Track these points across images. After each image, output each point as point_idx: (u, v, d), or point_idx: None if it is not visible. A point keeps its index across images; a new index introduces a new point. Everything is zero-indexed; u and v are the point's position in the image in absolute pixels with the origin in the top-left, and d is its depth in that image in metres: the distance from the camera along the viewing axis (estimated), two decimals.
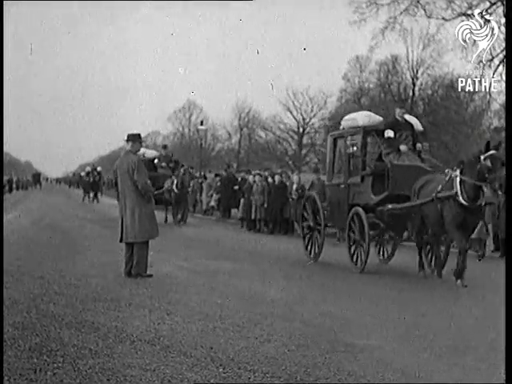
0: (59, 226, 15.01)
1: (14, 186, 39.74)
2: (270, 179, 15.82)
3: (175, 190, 16.21)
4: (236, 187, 17.87)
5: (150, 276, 7.36)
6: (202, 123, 28.41)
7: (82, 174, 37.46)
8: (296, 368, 3.94)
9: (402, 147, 8.55)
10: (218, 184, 19.08)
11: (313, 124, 36.11)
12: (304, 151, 36.46)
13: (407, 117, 9.22)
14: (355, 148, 8.91)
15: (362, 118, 9.29)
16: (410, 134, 8.82)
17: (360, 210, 8.54)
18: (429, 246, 8.52)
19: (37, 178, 49.45)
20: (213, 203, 19.64)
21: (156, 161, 17.27)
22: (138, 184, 7.40)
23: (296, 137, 36.36)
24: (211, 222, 19.01)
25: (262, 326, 5.05)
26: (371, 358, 4.24)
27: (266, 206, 15.17)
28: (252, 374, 3.82)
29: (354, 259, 8.72)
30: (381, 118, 9.37)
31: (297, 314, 5.63)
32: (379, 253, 9.56)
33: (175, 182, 16.26)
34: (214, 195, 19.44)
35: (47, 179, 61.43)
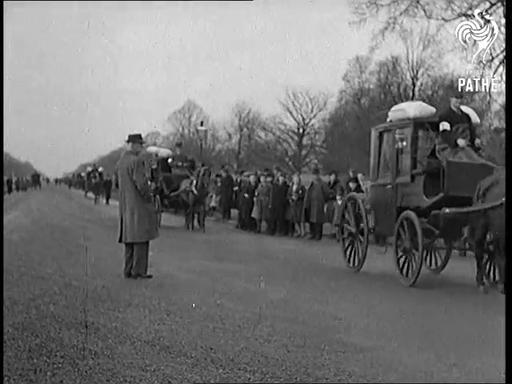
0: (59, 226, 15.01)
1: (14, 186, 39.66)
2: (271, 179, 15.82)
3: (194, 192, 15.04)
4: (236, 188, 17.80)
5: (150, 277, 7.37)
6: (201, 124, 28.39)
7: (83, 174, 37.25)
8: (296, 369, 3.95)
9: (461, 142, 7.52)
10: (219, 185, 19.04)
11: (313, 125, 36.10)
12: (304, 152, 36.45)
13: (463, 108, 8.13)
14: (404, 143, 7.93)
15: (413, 108, 8.23)
16: (467, 127, 7.76)
17: (412, 214, 7.47)
18: (486, 256, 7.43)
19: (36, 178, 49.42)
20: (213, 204, 19.59)
21: (170, 160, 16.33)
22: (137, 184, 7.41)
23: (296, 137, 36.35)
24: (212, 222, 18.98)
25: (262, 326, 5.06)
26: (372, 359, 4.25)
27: (270, 206, 15.12)
28: (252, 374, 3.82)
29: (404, 271, 7.61)
30: (434, 109, 8.33)
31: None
32: (430, 262, 8.62)
33: (194, 182, 15.12)
34: (214, 196, 19.39)
35: (48, 180, 61.37)
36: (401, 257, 7.74)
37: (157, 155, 16.76)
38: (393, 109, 8.69)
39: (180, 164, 16.37)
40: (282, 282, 7.54)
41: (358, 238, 8.78)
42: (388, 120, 8.72)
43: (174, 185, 15.68)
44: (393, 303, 6.57)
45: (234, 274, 8.12)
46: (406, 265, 7.64)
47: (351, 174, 14.60)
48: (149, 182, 7.77)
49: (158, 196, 15.25)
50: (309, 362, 4.11)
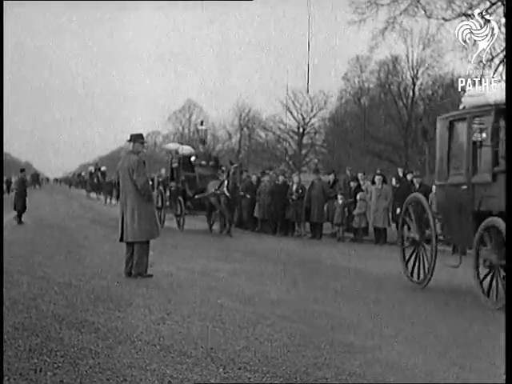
0: (59, 226, 15.01)
1: (15, 186, 39.51)
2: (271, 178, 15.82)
3: (226, 194, 13.26)
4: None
5: (150, 276, 7.38)
6: (202, 123, 28.31)
7: (83, 173, 36.90)
8: (296, 368, 3.95)
9: None
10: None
11: (313, 124, 36.12)
12: (304, 151, 36.46)
13: None
14: (484, 134, 6.63)
15: (494, 93, 6.75)
16: None
17: (499, 221, 6.11)
18: None
19: (35, 178, 49.47)
20: None
21: (193, 158, 14.89)
22: (138, 184, 7.41)
23: (296, 137, 36.37)
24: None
25: (263, 326, 5.06)
26: (371, 359, 4.25)
27: (272, 206, 15.12)
28: (252, 374, 3.82)
29: (491, 292, 6.30)
30: None
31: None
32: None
33: (225, 183, 13.39)
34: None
35: (47, 179, 61.39)
36: (485, 275, 6.48)
37: (177, 153, 15.46)
38: (468, 93, 7.21)
39: (204, 163, 14.83)
40: (283, 282, 7.54)
41: (422, 247, 7.56)
42: (461, 107, 7.34)
43: (198, 186, 14.34)
44: (394, 303, 6.51)
45: (235, 273, 8.14)
46: (492, 283, 6.36)
47: (348, 173, 14.61)
48: (150, 182, 7.75)
49: (180, 198, 14.52)
50: (309, 361, 4.12)
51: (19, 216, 15.12)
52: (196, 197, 14.44)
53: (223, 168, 14.91)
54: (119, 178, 7.67)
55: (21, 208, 15.26)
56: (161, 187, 16.66)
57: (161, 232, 7.88)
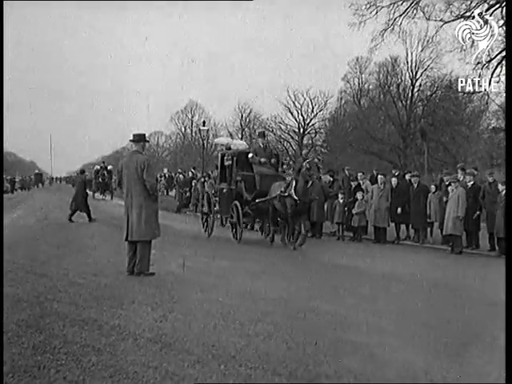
0: (62, 224, 15.02)
1: (19, 185, 39.44)
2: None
3: (294, 197, 10.57)
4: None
5: (153, 274, 7.42)
6: (204, 124, 28.34)
7: (87, 173, 36.45)
8: (296, 365, 3.99)
9: None
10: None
11: (313, 125, 36.13)
12: (304, 151, 36.45)
13: None
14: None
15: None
16: None
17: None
18: None
19: (38, 177, 49.45)
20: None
21: (251, 155, 12.14)
22: (147, 184, 7.42)
23: (296, 137, 36.38)
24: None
25: (263, 323, 5.10)
26: (371, 356, 4.29)
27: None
28: (253, 371, 3.86)
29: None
30: None
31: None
32: None
33: (293, 184, 10.62)
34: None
35: (52, 178, 61.22)
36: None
37: (229, 148, 13.09)
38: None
39: (264, 160, 12.11)
40: (283, 280, 7.57)
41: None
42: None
43: (258, 187, 11.81)
44: (395, 301, 6.53)
45: (235, 271, 8.16)
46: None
47: (346, 173, 14.62)
48: (157, 182, 7.72)
49: (237, 202, 11.89)
50: (309, 358, 4.15)
51: (72, 214, 15.70)
52: (257, 201, 11.73)
53: (285, 166, 12.55)
54: (121, 178, 7.69)
55: (82, 207, 15.77)
56: (207, 189, 14.32)
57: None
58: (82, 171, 18.45)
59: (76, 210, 15.71)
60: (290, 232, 11.43)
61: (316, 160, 10.77)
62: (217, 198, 13.05)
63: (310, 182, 10.90)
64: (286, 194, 10.81)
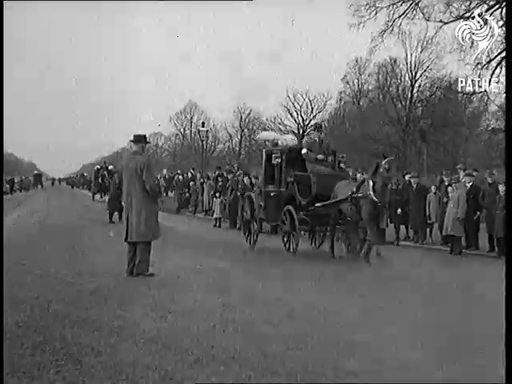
0: (62, 225, 15.03)
1: (18, 186, 39.41)
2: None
3: (373, 198, 9.03)
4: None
5: (152, 275, 7.42)
6: (203, 125, 28.36)
7: (85, 174, 36.08)
8: (296, 366, 3.99)
9: None
10: (220, 184, 19.02)
11: (312, 125, 36.19)
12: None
13: None
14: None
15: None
16: None
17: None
18: None
19: (38, 178, 49.50)
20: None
21: (305, 151, 10.38)
22: (147, 184, 7.43)
23: (296, 138, 36.44)
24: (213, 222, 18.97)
25: (263, 324, 5.09)
26: (370, 356, 4.29)
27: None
28: (252, 371, 3.86)
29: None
30: None
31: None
32: None
33: (371, 184, 9.13)
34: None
35: (54, 179, 61.21)
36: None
37: (276, 144, 11.52)
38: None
39: (322, 157, 10.37)
40: (283, 280, 7.57)
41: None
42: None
43: (315, 189, 10.05)
44: (395, 301, 6.47)
45: (235, 271, 8.17)
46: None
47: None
48: (156, 182, 7.67)
49: (290, 207, 10.12)
50: (308, 359, 4.16)
51: (111, 215, 16.09)
52: (317, 205, 9.92)
53: (342, 164, 10.68)
54: (121, 179, 7.70)
55: (117, 207, 15.64)
56: (250, 193, 12.47)
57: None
58: (115, 172, 18.60)
59: (114, 211, 15.91)
60: (358, 241, 9.59)
61: (395, 160, 9.51)
62: (261, 203, 11.22)
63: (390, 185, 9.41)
64: (361, 195, 9.20)
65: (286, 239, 10.48)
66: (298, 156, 10.51)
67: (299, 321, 5.29)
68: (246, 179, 16.35)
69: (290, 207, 10.14)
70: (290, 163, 10.60)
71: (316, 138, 10.62)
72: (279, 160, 10.69)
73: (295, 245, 9.97)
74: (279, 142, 11.52)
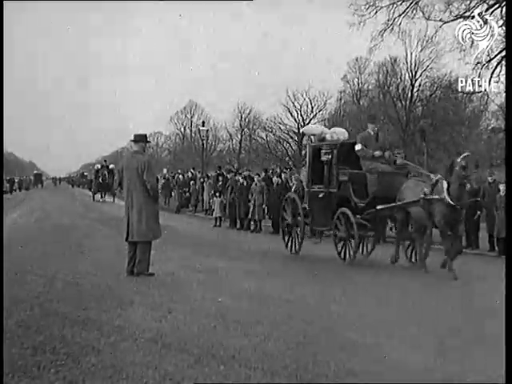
0: (63, 224, 15.03)
1: (17, 186, 39.41)
2: (274, 178, 15.87)
3: (449, 201, 8.01)
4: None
5: (152, 275, 7.43)
6: (203, 124, 28.36)
7: (86, 173, 35.85)
8: (296, 365, 3.99)
9: None
10: (220, 184, 19.05)
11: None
12: (304, 151, 36.50)
13: None
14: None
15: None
16: None
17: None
18: None
19: (38, 177, 49.55)
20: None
21: (359, 147, 9.21)
22: (148, 184, 7.44)
23: (296, 137, 36.40)
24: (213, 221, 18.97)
25: (263, 323, 5.10)
26: (370, 356, 4.29)
27: (264, 206, 15.09)
28: (252, 371, 3.86)
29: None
30: None
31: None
32: None
33: (444, 185, 8.11)
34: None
35: (57, 179, 61.16)
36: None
37: (323, 139, 10.25)
38: None
39: (378, 153, 9.17)
40: (283, 280, 7.58)
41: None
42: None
43: (374, 189, 9.02)
44: (394, 301, 6.49)
45: (235, 271, 8.17)
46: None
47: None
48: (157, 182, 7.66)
49: (346, 210, 9.09)
50: (309, 358, 4.16)
51: None
52: (378, 207, 8.88)
53: (399, 161, 9.27)
54: (122, 178, 7.70)
55: None
56: (291, 194, 11.36)
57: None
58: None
59: None
60: (425, 249, 8.58)
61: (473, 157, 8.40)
62: (305, 205, 10.17)
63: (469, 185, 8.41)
64: (435, 198, 8.15)
65: (341, 246, 9.25)
66: (350, 152, 9.38)
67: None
68: (240, 178, 16.40)
69: (347, 210, 9.06)
70: (341, 160, 9.49)
71: (371, 131, 9.41)
72: (329, 157, 9.57)
73: (353, 252, 8.92)
74: (327, 137, 10.29)
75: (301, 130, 10.67)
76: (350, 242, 9.08)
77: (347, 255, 9.07)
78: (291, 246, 10.38)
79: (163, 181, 24.45)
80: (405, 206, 8.68)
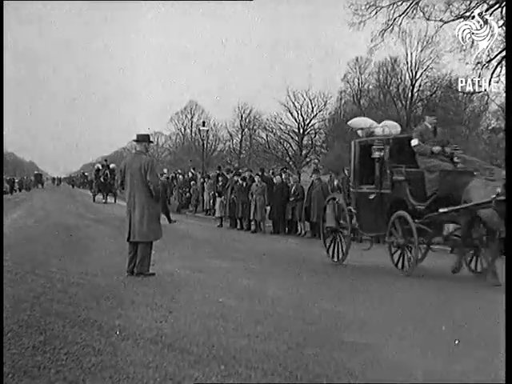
0: (63, 224, 15.02)
1: (17, 186, 39.42)
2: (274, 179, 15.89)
3: None
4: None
5: (153, 274, 7.43)
6: (203, 124, 28.39)
7: (86, 173, 35.66)
8: (296, 366, 3.99)
9: None
10: (220, 184, 19.05)
11: (313, 125, 36.17)
12: (304, 152, 36.51)
13: None
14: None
15: None
16: None
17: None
18: None
19: (38, 178, 49.60)
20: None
21: (415, 142, 8.27)
22: (151, 185, 7.44)
23: (296, 137, 36.40)
24: (214, 221, 18.99)
25: (263, 324, 5.10)
26: (370, 356, 4.29)
27: (267, 206, 15.08)
28: (253, 371, 3.86)
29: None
30: None
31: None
32: None
33: None
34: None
35: (59, 179, 61.13)
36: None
37: (371, 134, 9.33)
38: None
39: (438, 149, 8.22)
40: (283, 280, 7.58)
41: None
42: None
43: (434, 190, 7.98)
44: (394, 301, 6.46)
45: (236, 271, 8.17)
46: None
47: (346, 173, 14.62)
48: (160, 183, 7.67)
49: (403, 213, 8.13)
50: (309, 359, 4.15)
51: (168, 216, 16.11)
52: (442, 210, 7.84)
53: (457, 158, 8.34)
54: (123, 178, 7.70)
55: (164, 209, 15.76)
56: (336, 195, 10.41)
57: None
58: (162, 174, 18.36)
59: (166, 212, 16.07)
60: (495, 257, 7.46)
61: None
62: (350, 207, 9.25)
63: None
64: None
65: (398, 255, 8.28)
66: (404, 148, 8.50)
67: None
68: (239, 180, 16.40)
69: (405, 213, 8.08)
70: (396, 158, 8.56)
71: (429, 125, 8.46)
72: (381, 153, 8.63)
73: (413, 262, 7.94)
74: (377, 131, 9.31)
75: (348, 123, 9.58)
76: (408, 250, 8.11)
77: (405, 265, 8.11)
78: (334, 253, 9.41)
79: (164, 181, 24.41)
80: (473, 209, 7.56)
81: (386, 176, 8.57)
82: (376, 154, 8.68)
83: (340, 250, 9.31)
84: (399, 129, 9.55)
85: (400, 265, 8.22)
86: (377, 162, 8.69)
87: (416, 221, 7.96)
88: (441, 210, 7.82)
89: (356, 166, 9.18)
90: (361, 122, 10.03)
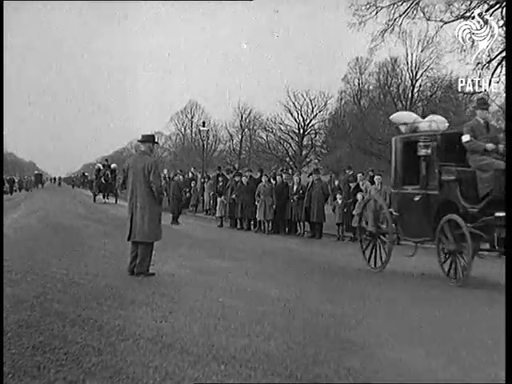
0: (63, 224, 15.03)
1: (17, 186, 39.47)
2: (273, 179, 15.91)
3: None
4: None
5: (153, 274, 7.44)
6: (203, 124, 28.40)
7: (86, 173, 35.73)
8: (296, 365, 3.99)
9: None
10: (220, 184, 19.07)
11: (313, 125, 36.20)
12: (304, 152, 36.55)
13: None
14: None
15: None
16: None
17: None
18: None
19: (39, 178, 49.68)
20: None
21: (467, 138, 7.55)
22: (153, 186, 7.45)
23: (296, 138, 36.42)
24: (214, 221, 19.02)
25: (263, 323, 5.10)
26: (370, 356, 4.29)
27: (274, 206, 15.12)
28: (253, 371, 3.86)
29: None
30: None
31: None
32: None
33: None
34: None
35: (59, 178, 61.21)
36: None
37: (414, 130, 8.64)
38: None
39: (492, 147, 7.51)
40: (283, 280, 7.58)
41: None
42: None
43: (488, 191, 7.25)
44: (392, 300, 6.46)
45: (236, 271, 8.17)
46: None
47: (347, 173, 14.64)
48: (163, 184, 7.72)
49: (455, 217, 7.41)
50: (309, 358, 4.16)
51: (175, 219, 16.47)
52: (498, 215, 7.11)
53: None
54: (126, 178, 7.71)
55: (174, 209, 16.43)
56: (376, 197, 9.90)
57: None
58: (176, 174, 18.60)
59: (178, 213, 16.50)
60: None
61: None
62: (391, 210, 8.55)
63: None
64: None
65: (449, 263, 7.63)
66: (453, 145, 7.84)
67: None
68: (243, 179, 16.37)
69: (457, 217, 7.33)
70: (444, 155, 7.87)
71: (481, 120, 7.70)
72: (428, 151, 7.93)
73: (467, 270, 7.19)
74: (422, 126, 8.56)
75: (390, 118, 8.97)
76: (461, 257, 7.41)
77: (458, 273, 7.42)
78: (374, 259, 8.71)
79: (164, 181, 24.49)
80: None
81: (434, 175, 7.86)
82: (422, 152, 7.98)
83: (380, 256, 8.60)
84: (447, 124, 8.69)
85: (451, 273, 7.55)
86: (423, 161, 8.00)
87: (468, 225, 7.25)
88: (497, 214, 7.07)
89: (398, 165, 8.54)
90: (404, 116, 9.28)
